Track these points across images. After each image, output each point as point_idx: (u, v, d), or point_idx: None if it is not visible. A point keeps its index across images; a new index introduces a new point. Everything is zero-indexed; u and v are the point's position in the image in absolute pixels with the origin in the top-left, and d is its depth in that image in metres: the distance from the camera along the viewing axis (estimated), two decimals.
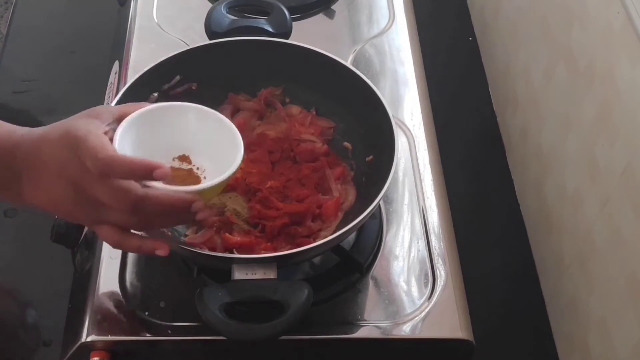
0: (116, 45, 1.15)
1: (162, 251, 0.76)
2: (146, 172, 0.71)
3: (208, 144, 0.83)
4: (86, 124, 0.73)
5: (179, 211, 0.73)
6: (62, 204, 0.73)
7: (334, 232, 0.87)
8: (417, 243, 0.93)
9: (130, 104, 0.80)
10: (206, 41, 1.00)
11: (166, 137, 0.82)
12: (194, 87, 0.97)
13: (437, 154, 1.03)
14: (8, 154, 0.73)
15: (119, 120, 0.77)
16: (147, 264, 0.90)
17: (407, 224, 0.95)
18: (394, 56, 1.13)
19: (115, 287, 0.87)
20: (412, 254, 0.92)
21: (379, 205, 0.92)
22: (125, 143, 0.76)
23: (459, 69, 1.33)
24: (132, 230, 0.76)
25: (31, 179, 0.73)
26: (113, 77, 1.09)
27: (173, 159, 0.83)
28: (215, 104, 0.99)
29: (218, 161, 0.80)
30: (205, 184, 0.79)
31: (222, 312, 0.76)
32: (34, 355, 0.96)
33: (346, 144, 0.97)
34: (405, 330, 0.86)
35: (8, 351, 0.96)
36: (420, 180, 0.98)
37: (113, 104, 0.89)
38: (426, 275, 0.90)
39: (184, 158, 0.84)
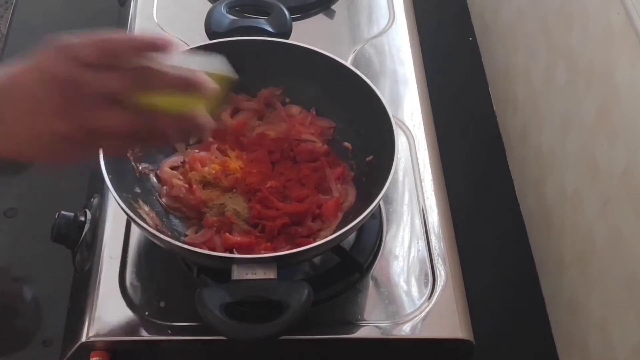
0: None
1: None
2: (153, 46, 0.67)
3: None
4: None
5: (185, 85, 0.67)
6: (44, 126, 0.66)
7: (334, 232, 0.87)
8: (417, 243, 0.93)
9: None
10: (206, 41, 1.00)
11: None
12: None
13: (437, 154, 1.03)
14: None
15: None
16: (147, 263, 0.90)
17: (407, 224, 0.95)
18: (394, 56, 1.13)
19: (115, 287, 0.87)
20: (412, 254, 0.92)
21: (379, 205, 0.92)
22: None
23: (459, 69, 1.33)
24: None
25: (3, 117, 0.66)
26: None
27: None
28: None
29: None
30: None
31: (222, 312, 0.76)
32: (34, 355, 0.95)
33: (346, 144, 0.97)
34: (405, 330, 0.86)
35: (8, 351, 0.96)
36: (420, 180, 0.98)
37: None
38: (426, 275, 0.90)
39: None
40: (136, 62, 0.67)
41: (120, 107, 0.66)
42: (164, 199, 0.92)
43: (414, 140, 1.02)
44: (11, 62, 0.68)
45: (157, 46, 0.68)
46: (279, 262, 0.80)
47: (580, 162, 0.97)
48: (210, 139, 0.97)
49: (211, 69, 0.72)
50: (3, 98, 0.67)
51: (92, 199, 0.96)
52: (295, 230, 0.89)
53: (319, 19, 1.18)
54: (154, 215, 0.89)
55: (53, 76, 0.65)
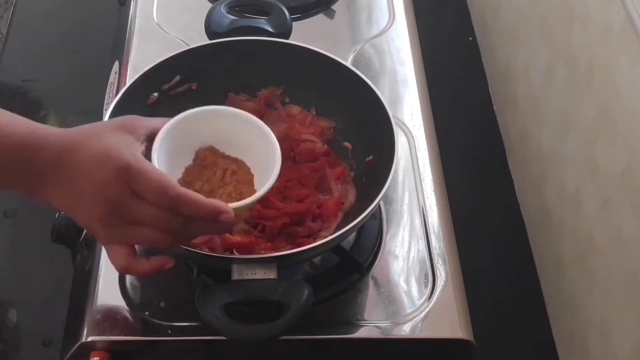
0: (116, 45, 1.15)
1: (170, 264, 0.76)
2: (213, 214, 0.72)
3: (244, 149, 0.83)
4: (127, 145, 0.73)
5: (213, 219, 0.73)
6: (85, 216, 0.73)
7: (334, 232, 0.87)
8: (417, 243, 0.93)
9: (158, 118, 0.80)
10: (206, 41, 1.00)
11: (199, 142, 0.82)
12: (194, 87, 0.97)
13: (437, 154, 1.03)
14: (29, 155, 0.72)
15: (150, 136, 0.77)
16: None
17: (407, 224, 0.95)
18: (394, 56, 1.13)
19: (115, 287, 0.87)
20: (412, 254, 0.92)
21: (379, 205, 0.92)
22: (161, 156, 0.77)
23: (459, 69, 1.33)
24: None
25: (57, 183, 0.72)
26: (113, 77, 1.09)
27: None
28: (215, 104, 0.99)
29: (255, 167, 0.82)
30: (240, 202, 0.77)
31: (222, 312, 0.76)
32: (34, 355, 0.95)
33: (346, 144, 0.97)
34: (405, 330, 0.86)
35: (8, 351, 0.96)
36: (420, 180, 0.98)
37: (113, 104, 0.89)
38: (426, 275, 0.90)
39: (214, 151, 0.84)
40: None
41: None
42: None
43: (414, 140, 1.02)
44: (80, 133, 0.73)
45: (217, 219, 0.73)
46: (279, 262, 0.80)
47: (580, 162, 0.97)
48: None
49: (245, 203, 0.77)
50: (61, 172, 0.72)
51: None
52: (295, 230, 0.89)
53: (319, 19, 1.18)
54: None
55: (106, 196, 0.71)
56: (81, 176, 0.71)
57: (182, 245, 0.77)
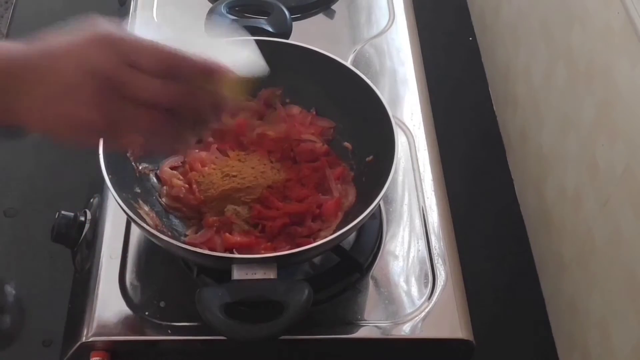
0: None
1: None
2: (211, 71, 0.69)
3: None
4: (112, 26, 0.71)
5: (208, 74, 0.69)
6: (74, 105, 0.67)
7: (334, 232, 0.87)
8: (417, 243, 0.93)
9: None
10: None
11: None
12: None
13: (437, 154, 1.03)
14: (4, 74, 0.67)
15: None
16: (147, 263, 0.90)
17: (407, 224, 0.95)
18: (393, 56, 1.13)
19: (115, 287, 0.87)
20: (412, 254, 0.92)
21: (379, 205, 0.92)
22: None
23: (459, 69, 1.33)
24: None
25: (33, 89, 0.67)
26: None
27: None
28: None
29: None
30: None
31: (222, 312, 0.77)
32: (34, 355, 0.95)
33: (346, 144, 0.97)
34: (405, 330, 0.86)
35: (8, 351, 0.96)
36: (420, 180, 0.99)
37: None
38: (426, 275, 0.90)
39: None
40: (193, 83, 0.68)
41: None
42: (164, 199, 0.92)
43: (414, 140, 1.02)
44: (46, 35, 0.69)
45: (213, 72, 0.69)
46: (279, 262, 0.80)
47: (580, 162, 0.97)
48: (210, 139, 0.97)
49: (238, 69, 0.72)
50: (37, 75, 0.67)
51: (92, 199, 0.96)
52: (295, 230, 0.89)
53: (319, 19, 1.18)
54: (154, 215, 0.89)
55: (93, 68, 0.66)
56: (61, 59, 0.67)
57: (181, 136, 0.71)
